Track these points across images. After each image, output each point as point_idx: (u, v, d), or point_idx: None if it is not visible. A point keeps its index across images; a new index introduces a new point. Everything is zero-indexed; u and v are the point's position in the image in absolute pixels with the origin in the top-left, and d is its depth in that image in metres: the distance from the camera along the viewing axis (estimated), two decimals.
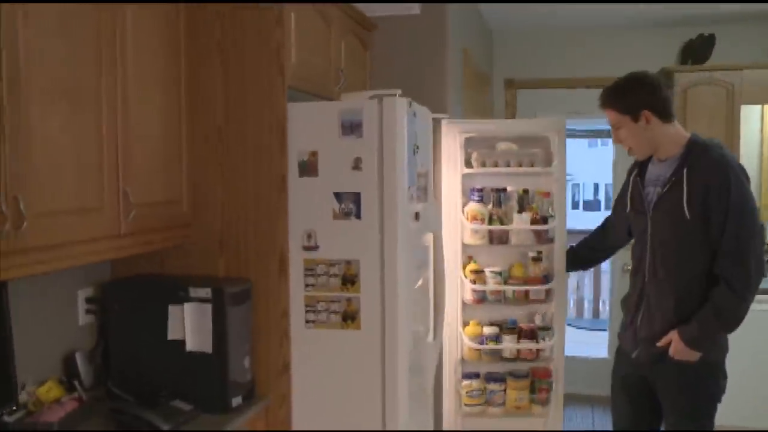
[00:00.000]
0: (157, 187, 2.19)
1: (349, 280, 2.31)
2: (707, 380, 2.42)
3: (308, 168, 2.32)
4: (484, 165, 3.15)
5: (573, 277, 7.10)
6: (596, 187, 22.90)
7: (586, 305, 7.45)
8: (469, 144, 3.22)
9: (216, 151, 2.37)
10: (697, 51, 4.77)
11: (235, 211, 2.37)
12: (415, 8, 3.23)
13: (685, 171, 2.38)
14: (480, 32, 4.56)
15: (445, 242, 3.15)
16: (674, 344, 2.37)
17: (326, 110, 2.30)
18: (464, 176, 3.18)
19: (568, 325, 6.92)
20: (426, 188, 2.58)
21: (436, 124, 3.21)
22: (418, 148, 2.37)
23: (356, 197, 2.27)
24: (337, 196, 2.29)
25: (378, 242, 2.27)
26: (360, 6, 3.05)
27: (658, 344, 2.42)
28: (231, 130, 2.36)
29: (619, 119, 2.48)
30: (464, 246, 3.20)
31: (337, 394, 2.34)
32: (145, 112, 2.10)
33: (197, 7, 2.33)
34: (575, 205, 21.91)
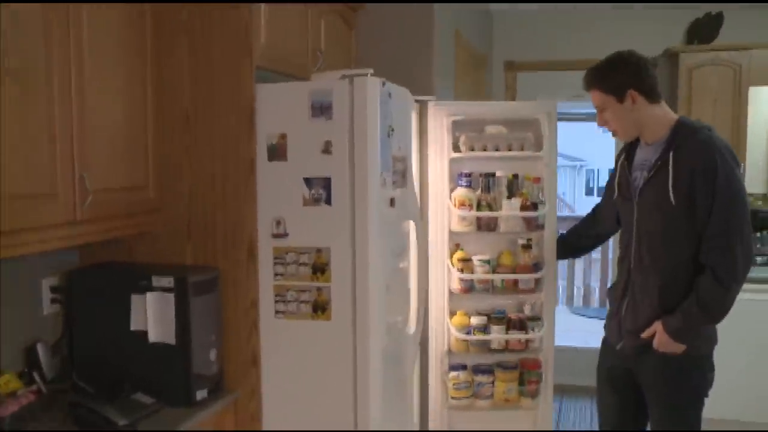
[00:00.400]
0: (119, 172, 2.12)
1: (320, 269, 2.22)
2: (693, 373, 2.34)
3: (277, 152, 2.24)
4: (472, 149, 3.05)
5: (579, 263, 7.00)
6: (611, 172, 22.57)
7: (596, 294, 7.34)
8: (457, 128, 3.12)
9: (183, 135, 2.30)
10: (704, 31, 4.63)
11: (203, 197, 2.30)
12: None
13: (671, 154, 2.28)
14: (477, 13, 4.44)
15: (431, 229, 3.09)
16: (658, 336, 2.29)
17: (296, 91, 2.21)
18: (452, 161, 3.08)
19: (576, 314, 6.89)
20: (405, 173, 2.48)
21: (423, 106, 3.11)
22: (393, 130, 2.28)
23: (326, 182, 2.19)
24: (307, 181, 2.21)
25: (349, 229, 2.18)
26: None
27: (642, 336, 2.33)
28: (199, 113, 2.28)
29: (604, 100, 2.39)
30: (451, 233, 3.10)
31: (308, 387, 2.28)
32: (105, 95, 2.02)
33: None
34: (590, 192, 21.65)
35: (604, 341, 2.59)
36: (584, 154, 18.49)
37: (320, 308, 2.24)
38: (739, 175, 2.26)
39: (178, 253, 2.34)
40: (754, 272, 4.05)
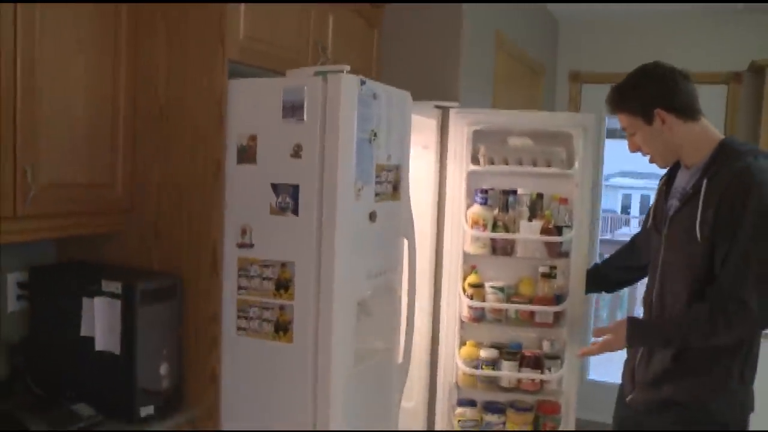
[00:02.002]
0: (78, 167, 2.05)
1: (283, 285, 2.07)
2: None
3: (247, 154, 2.10)
4: (492, 162, 2.83)
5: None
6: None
7: None
8: (481, 139, 2.90)
9: (156, 133, 2.21)
10: None
11: (171, 199, 2.21)
12: None
13: (704, 182, 1.98)
14: (533, 15, 4.18)
15: (446, 249, 2.89)
16: (613, 337, 2.15)
17: (269, 88, 2.08)
18: (470, 174, 2.87)
19: None
20: (397, 185, 2.29)
21: (445, 114, 2.91)
22: (376, 136, 2.09)
23: (294, 190, 2.04)
24: (275, 187, 2.06)
25: (315, 244, 2.02)
26: None
27: (597, 329, 2.25)
28: (172, 109, 2.19)
29: (631, 123, 2.14)
30: (466, 255, 2.87)
31: (268, 410, 2.14)
32: (63, 84, 1.95)
33: None
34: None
35: (620, 388, 2.31)
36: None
37: (282, 328, 2.08)
38: None
39: (145, 256, 2.25)
40: None
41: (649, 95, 2.07)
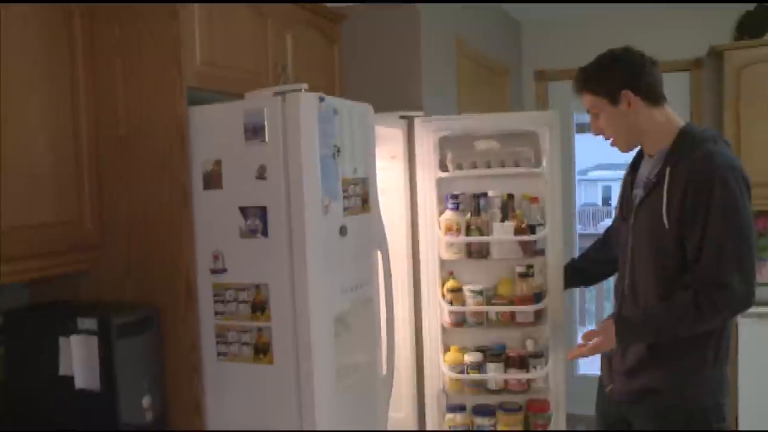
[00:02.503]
0: (43, 207, 2.04)
1: (259, 307, 2.08)
2: (694, 428, 2.06)
3: (212, 179, 2.11)
4: (460, 167, 2.85)
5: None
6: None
7: None
8: (448, 145, 2.92)
9: (119, 164, 2.21)
10: (755, 25, 4.25)
11: (141, 230, 2.20)
12: None
13: (667, 170, 2.01)
14: (492, 19, 4.22)
15: (422, 257, 2.91)
16: (602, 339, 2.14)
17: (230, 112, 2.09)
18: (440, 181, 2.88)
19: None
20: (366, 198, 2.30)
21: (411, 123, 2.93)
22: (339, 150, 2.11)
23: (262, 212, 2.05)
24: (243, 210, 2.07)
25: (287, 263, 2.03)
26: None
27: (585, 334, 2.20)
28: (134, 140, 2.19)
29: (596, 103, 2.16)
30: (443, 261, 2.89)
31: None
32: (21, 125, 1.94)
33: (95, 6, 2.16)
34: None
35: (599, 380, 2.33)
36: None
37: (262, 351, 2.08)
38: (741, 196, 1.96)
39: (119, 290, 2.24)
40: None
41: (616, 77, 2.10)
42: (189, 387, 2.17)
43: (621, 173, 2.41)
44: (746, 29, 4.29)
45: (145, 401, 2.08)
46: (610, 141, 2.23)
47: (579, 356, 2.23)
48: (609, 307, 6.98)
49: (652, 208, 2.06)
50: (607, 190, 19.85)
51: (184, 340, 2.16)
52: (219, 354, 2.15)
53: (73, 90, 2.13)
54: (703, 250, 1.94)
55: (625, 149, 2.23)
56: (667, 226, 2.00)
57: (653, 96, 2.11)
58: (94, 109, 2.19)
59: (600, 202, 19.90)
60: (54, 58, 2.06)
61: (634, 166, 2.27)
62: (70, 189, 2.13)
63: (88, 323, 2.01)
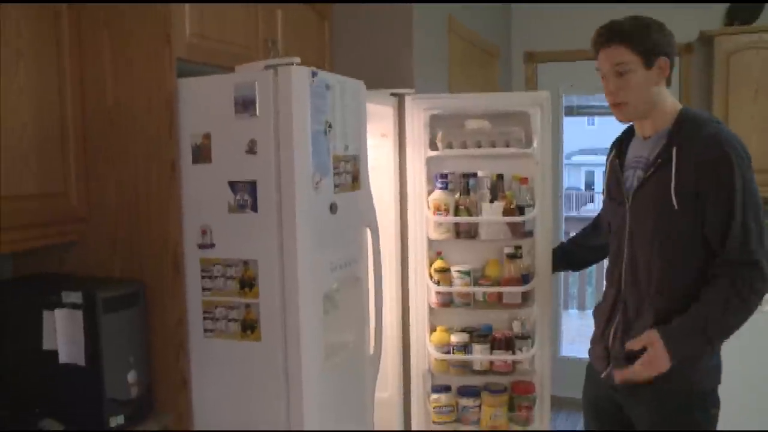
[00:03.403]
0: (29, 177, 2.01)
1: (248, 284, 2.06)
2: (695, 413, 2.07)
3: (202, 153, 2.09)
4: (450, 146, 2.84)
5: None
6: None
7: None
8: (439, 123, 2.91)
9: (107, 137, 2.18)
10: (745, 11, 4.26)
11: (128, 204, 2.18)
12: None
13: (674, 150, 2.01)
14: (485, 2, 4.20)
15: (411, 237, 2.91)
16: (650, 349, 2.00)
17: (220, 85, 2.06)
18: (430, 160, 2.88)
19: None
20: (357, 175, 2.29)
21: (401, 101, 2.92)
22: (331, 127, 2.09)
23: (252, 187, 2.03)
24: (232, 185, 2.05)
25: (276, 239, 2.02)
26: None
27: (628, 346, 2.06)
28: (122, 112, 2.16)
29: (628, 60, 2.03)
30: (431, 241, 2.89)
31: (241, 412, 2.13)
32: (5, 97, 1.90)
33: None
34: None
35: (589, 367, 2.33)
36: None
37: (249, 327, 2.07)
38: (753, 176, 1.98)
39: (106, 265, 2.22)
40: None
41: (659, 40, 2.05)
42: (175, 363, 2.16)
43: (605, 158, 2.39)
44: (736, 16, 4.30)
45: (131, 377, 2.07)
46: (619, 106, 2.11)
47: (632, 379, 2.05)
48: (591, 292, 7.04)
49: (657, 188, 2.04)
50: (590, 175, 19.96)
51: (170, 316, 2.15)
52: (206, 330, 2.14)
53: (59, 62, 2.10)
54: (731, 232, 1.93)
55: (631, 118, 2.16)
56: (676, 207, 1.98)
57: (670, 75, 2.10)
58: (80, 80, 2.16)
59: (583, 187, 20.01)
60: (39, 29, 2.02)
61: (620, 150, 2.25)
62: (55, 161, 2.10)
63: (74, 297, 1.99)
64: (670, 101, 2.12)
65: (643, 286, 2.10)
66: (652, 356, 1.99)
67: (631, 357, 2.08)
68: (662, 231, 2.04)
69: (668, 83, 2.11)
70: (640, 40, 2.04)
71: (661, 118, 2.10)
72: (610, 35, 2.07)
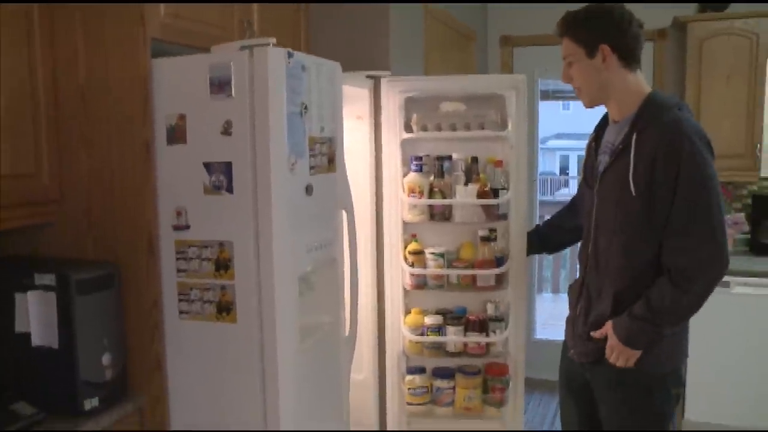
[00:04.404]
0: None
1: (223, 266, 2.07)
2: (654, 394, 2.13)
3: (176, 134, 2.09)
4: (425, 129, 2.86)
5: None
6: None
7: None
8: (414, 106, 2.92)
9: (80, 118, 2.17)
10: None
11: (102, 185, 2.18)
12: None
13: (634, 137, 2.04)
14: None
15: (386, 219, 2.93)
16: (609, 341, 2.09)
17: (195, 65, 2.06)
18: (404, 142, 2.90)
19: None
20: (332, 157, 2.29)
21: (377, 83, 2.92)
22: (306, 108, 2.09)
23: (227, 168, 2.03)
24: (207, 166, 2.05)
25: (252, 221, 2.03)
26: None
27: (593, 335, 2.15)
28: (95, 92, 2.15)
29: (573, 51, 2.15)
30: (405, 224, 2.91)
31: (216, 394, 2.14)
32: None
33: None
34: None
35: (564, 344, 2.39)
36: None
37: (224, 309, 2.08)
38: (710, 163, 2.01)
39: (79, 246, 2.22)
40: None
41: (599, 28, 2.10)
42: (150, 345, 2.17)
43: (580, 143, 2.43)
44: (709, 2, 4.35)
45: (105, 359, 2.07)
46: (577, 91, 2.22)
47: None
48: (565, 275, 7.13)
49: (618, 174, 2.09)
50: (565, 160, 20.08)
51: (145, 298, 2.15)
52: (181, 312, 2.14)
53: (30, 41, 2.07)
54: (673, 220, 1.98)
55: (589, 104, 2.23)
56: (634, 194, 2.03)
57: (630, 58, 2.12)
58: (53, 60, 2.13)
59: (558, 171, 20.15)
60: (9, 9, 1.99)
61: (599, 133, 2.29)
62: (26, 141, 2.08)
63: (47, 279, 1.98)
64: (634, 86, 2.14)
65: (603, 269, 2.16)
66: (612, 346, 2.09)
67: (589, 337, 2.17)
68: (621, 216, 2.09)
69: (631, 64, 2.13)
70: (580, 31, 2.12)
71: (627, 103, 2.13)
72: (559, 29, 2.18)
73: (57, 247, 2.24)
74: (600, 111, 2.31)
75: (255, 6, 2.63)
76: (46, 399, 1.99)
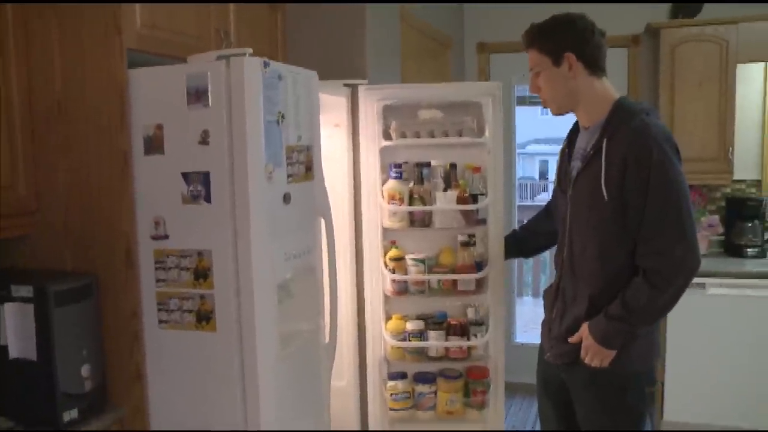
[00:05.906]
0: None
1: (202, 275, 2.06)
2: (627, 393, 2.15)
3: (154, 144, 2.07)
4: (404, 136, 2.86)
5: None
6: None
7: None
8: (392, 114, 2.93)
9: (56, 128, 2.15)
10: (689, 6, 4.36)
11: (79, 196, 2.16)
12: None
13: (604, 143, 2.06)
14: None
15: (365, 226, 2.92)
16: (584, 342, 2.10)
17: (172, 75, 2.05)
18: (383, 150, 2.90)
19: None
20: (310, 165, 2.29)
21: (355, 91, 2.92)
22: (283, 117, 2.09)
23: (205, 177, 2.02)
24: (185, 176, 2.04)
25: (231, 230, 2.02)
26: None
27: (570, 340, 2.16)
28: (71, 103, 2.14)
29: (539, 61, 2.18)
30: (385, 230, 2.91)
31: (196, 403, 2.12)
32: None
33: None
34: None
35: (540, 347, 2.40)
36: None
37: (204, 318, 2.07)
38: (677, 166, 2.03)
39: (57, 257, 2.19)
40: (747, 266, 3.87)
41: (564, 38, 2.13)
42: (130, 355, 2.15)
43: (558, 148, 2.45)
44: (681, 9, 4.40)
45: (84, 370, 2.05)
46: (543, 102, 2.25)
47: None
48: (545, 279, 7.16)
49: (590, 180, 2.11)
50: (544, 165, 20.19)
51: (124, 308, 2.13)
52: (160, 322, 2.13)
53: (3, 50, 2.05)
54: (646, 223, 2.00)
55: (557, 112, 2.25)
56: (606, 198, 2.05)
57: (595, 66, 2.15)
58: (27, 70, 2.12)
59: (537, 176, 20.26)
60: None
61: (571, 139, 2.32)
62: (1, 153, 2.05)
63: (24, 290, 1.97)
64: (602, 92, 2.17)
65: (578, 272, 2.18)
66: (587, 346, 2.11)
67: (567, 336, 2.19)
68: (594, 221, 2.11)
69: (597, 72, 2.15)
70: (545, 41, 2.16)
71: (596, 109, 2.16)
72: (525, 40, 2.22)
73: (34, 259, 2.22)
74: (574, 116, 2.33)
75: (231, 15, 2.62)
76: (24, 412, 1.98)
